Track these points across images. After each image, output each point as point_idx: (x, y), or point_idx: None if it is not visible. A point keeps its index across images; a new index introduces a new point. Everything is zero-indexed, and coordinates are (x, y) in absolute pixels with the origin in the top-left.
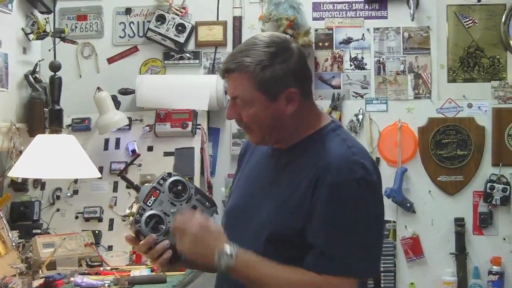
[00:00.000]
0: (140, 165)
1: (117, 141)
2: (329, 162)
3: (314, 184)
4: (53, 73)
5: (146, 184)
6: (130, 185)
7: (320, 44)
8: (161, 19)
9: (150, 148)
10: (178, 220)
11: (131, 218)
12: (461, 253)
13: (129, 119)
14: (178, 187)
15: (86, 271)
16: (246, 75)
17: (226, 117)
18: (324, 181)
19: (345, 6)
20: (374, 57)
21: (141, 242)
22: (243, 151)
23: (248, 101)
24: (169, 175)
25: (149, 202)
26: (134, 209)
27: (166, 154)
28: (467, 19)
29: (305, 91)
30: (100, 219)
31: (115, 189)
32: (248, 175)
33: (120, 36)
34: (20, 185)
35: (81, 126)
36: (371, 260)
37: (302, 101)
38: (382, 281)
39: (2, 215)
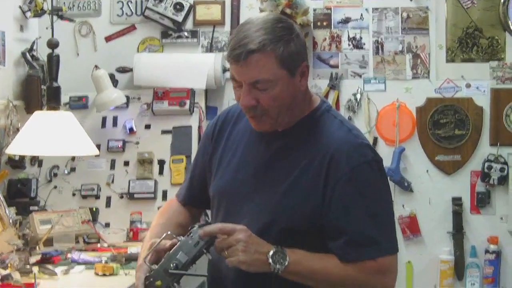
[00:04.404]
0: (137, 143)
1: (115, 119)
2: (337, 149)
3: (325, 172)
4: (51, 51)
5: (186, 258)
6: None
7: (319, 23)
8: None
9: (147, 126)
10: (219, 230)
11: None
12: (458, 232)
13: (127, 97)
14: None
15: (83, 248)
16: (269, 53)
17: (242, 104)
18: (337, 168)
19: None
20: (373, 37)
21: None
22: (218, 127)
23: (273, 81)
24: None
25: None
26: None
27: (164, 132)
28: (466, 0)
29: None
30: (97, 197)
31: (112, 166)
32: (235, 157)
33: (117, 15)
34: (17, 163)
35: (79, 104)
36: (395, 237)
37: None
38: None
39: None
